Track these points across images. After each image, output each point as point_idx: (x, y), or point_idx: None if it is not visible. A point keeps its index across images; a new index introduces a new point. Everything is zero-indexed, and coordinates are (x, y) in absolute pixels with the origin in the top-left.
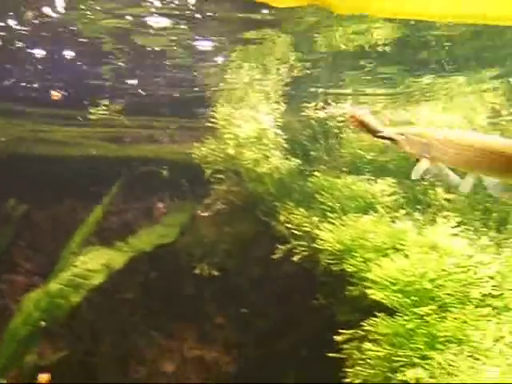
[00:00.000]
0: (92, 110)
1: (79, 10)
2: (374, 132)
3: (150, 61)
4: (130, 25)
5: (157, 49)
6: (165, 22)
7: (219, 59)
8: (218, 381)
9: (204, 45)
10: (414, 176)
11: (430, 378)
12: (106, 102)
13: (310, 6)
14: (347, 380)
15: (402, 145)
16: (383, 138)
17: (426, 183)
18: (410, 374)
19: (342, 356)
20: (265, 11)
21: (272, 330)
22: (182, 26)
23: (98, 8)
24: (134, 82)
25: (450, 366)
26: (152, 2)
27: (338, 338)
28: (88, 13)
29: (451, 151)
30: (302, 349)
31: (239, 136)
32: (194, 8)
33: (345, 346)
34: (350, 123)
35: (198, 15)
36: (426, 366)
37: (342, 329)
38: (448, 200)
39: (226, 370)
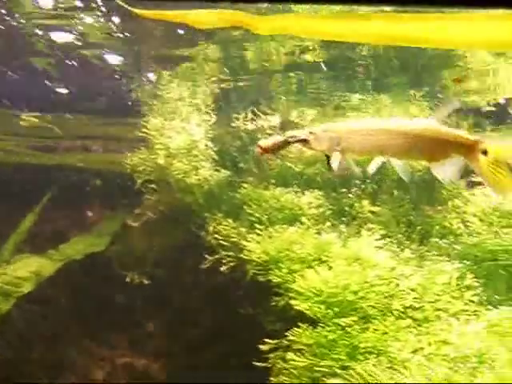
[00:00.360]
0: (24, 118)
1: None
2: (284, 142)
3: (82, 72)
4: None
5: (90, 61)
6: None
7: (151, 74)
8: None
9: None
10: (335, 169)
11: None
12: (38, 112)
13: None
14: None
15: (312, 143)
16: (295, 141)
17: (352, 196)
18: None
19: (267, 365)
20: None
21: (201, 339)
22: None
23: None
24: (66, 91)
25: (370, 376)
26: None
27: (263, 347)
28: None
29: (359, 139)
30: (231, 357)
31: (170, 147)
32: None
33: (270, 356)
34: (261, 155)
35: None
36: (347, 376)
37: (268, 338)
38: (373, 213)
39: (156, 378)
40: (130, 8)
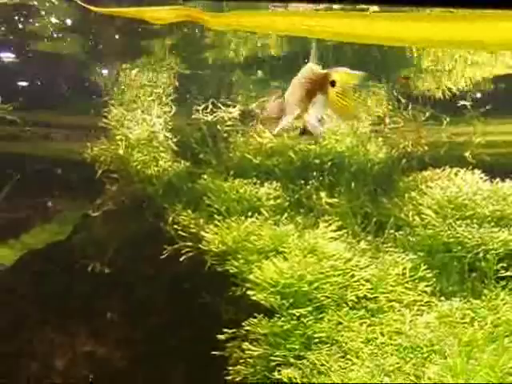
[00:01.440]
0: None
1: None
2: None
3: (44, 63)
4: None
5: (51, 52)
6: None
7: (112, 65)
8: (108, 375)
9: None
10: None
11: (302, 377)
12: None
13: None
14: (229, 378)
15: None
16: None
17: (310, 187)
18: (284, 373)
19: (225, 354)
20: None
21: (161, 328)
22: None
23: None
24: (28, 82)
25: (323, 365)
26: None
27: (221, 336)
28: None
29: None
30: (190, 346)
31: (129, 137)
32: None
33: (228, 345)
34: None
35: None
36: (300, 366)
37: (226, 328)
38: (330, 204)
39: (117, 365)
40: (87, 6)
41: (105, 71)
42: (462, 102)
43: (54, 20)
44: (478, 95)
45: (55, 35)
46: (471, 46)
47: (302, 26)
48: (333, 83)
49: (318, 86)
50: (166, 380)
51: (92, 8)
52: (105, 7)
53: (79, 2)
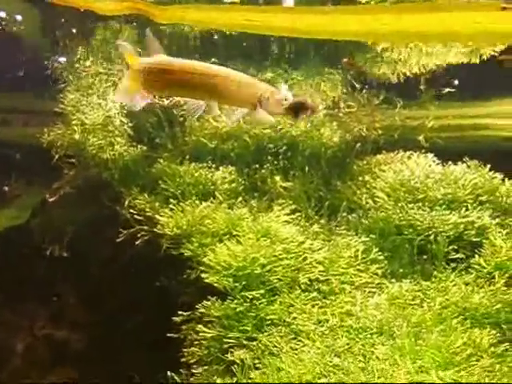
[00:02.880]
0: None
1: None
2: None
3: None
4: None
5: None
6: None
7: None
8: (67, 358)
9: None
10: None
11: (254, 358)
12: None
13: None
14: (184, 359)
15: None
16: None
17: (264, 171)
18: (236, 354)
19: (180, 336)
20: None
21: (119, 310)
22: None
23: None
24: None
25: (275, 346)
26: None
27: (176, 319)
28: None
29: None
30: (147, 328)
31: (85, 122)
32: None
33: (182, 327)
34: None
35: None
36: (253, 347)
37: (181, 310)
38: (284, 188)
39: (75, 348)
40: None
41: (62, 58)
42: (416, 87)
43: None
44: (432, 80)
45: (10, 20)
46: (420, 38)
47: (244, 21)
48: None
49: None
50: (123, 362)
51: None
52: None
53: None
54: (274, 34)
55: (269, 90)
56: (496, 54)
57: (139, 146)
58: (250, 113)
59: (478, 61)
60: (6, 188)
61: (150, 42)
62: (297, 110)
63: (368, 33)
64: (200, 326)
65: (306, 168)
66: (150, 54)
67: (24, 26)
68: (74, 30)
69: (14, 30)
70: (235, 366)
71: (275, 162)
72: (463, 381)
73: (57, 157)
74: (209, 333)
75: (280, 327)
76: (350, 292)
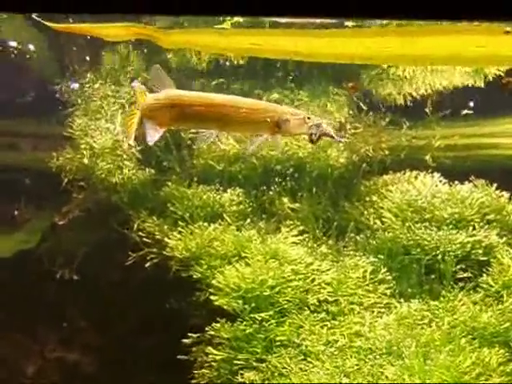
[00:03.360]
0: None
1: None
2: None
3: (9, 73)
4: None
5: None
6: None
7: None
8: (77, 381)
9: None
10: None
11: (263, 380)
12: None
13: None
14: (194, 381)
15: None
16: None
17: (272, 193)
18: (246, 376)
19: (190, 358)
20: None
21: (130, 333)
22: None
23: None
24: None
25: (284, 368)
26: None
27: (186, 341)
28: None
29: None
30: (158, 351)
31: (94, 147)
32: None
33: (193, 349)
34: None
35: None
36: (262, 369)
37: (191, 332)
38: (292, 209)
39: (86, 371)
40: (45, 22)
41: (72, 84)
42: (422, 107)
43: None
44: (438, 100)
45: (20, 46)
46: (414, 61)
47: (249, 45)
48: None
49: None
50: None
51: (50, 25)
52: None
53: (36, 19)
54: (277, 58)
55: (287, 111)
56: (502, 74)
57: (147, 170)
58: (272, 137)
59: (482, 82)
60: (16, 212)
61: (159, 76)
62: (320, 126)
63: (371, 57)
64: (210, 347)
65: (314, 189)
66: (160, 88)
67: (34, 53)
68: (83, 55)
69: (25, 58)
70: None
71: (283, 184)
72: None
73: (66, 181)
74: (218, 355)
75: (289, 348)
76: (358, 312)
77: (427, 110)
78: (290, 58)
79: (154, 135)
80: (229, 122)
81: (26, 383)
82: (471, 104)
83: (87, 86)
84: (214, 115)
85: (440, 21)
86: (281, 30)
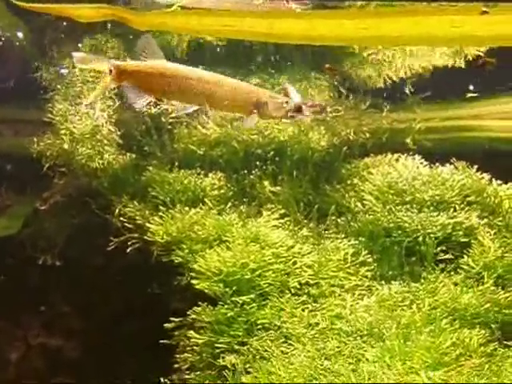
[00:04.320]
0: None
1: None
2: None
3: None
4: None
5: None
6: None
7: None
8: (61, 366)
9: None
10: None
11: (245, 363)
12: None
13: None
14: (176, 365)
15: None
16: None
17: (253, 177)
18: (227, 359)
19: (172, 343)
20: None
21: (112, 318)
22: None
23: None
24: None
25: (266, 351)
26: None
27: (168, 325)
28: None
29: None
30: (140, 335)
31: (74, 132)
32: None
33: (175, 333)
34: None
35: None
36: (244, 352)
37: (173, 317)
38: (273, 193)
39: (70, 356)
40: (17, 3)
41: (49, 66)
42: (403, 90)
43: None
44: (418, 82)
45: None
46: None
47: (222, 26)
48: None
49: None
50: (117, 368)
51: (20, 4)
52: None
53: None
54: (251, 40)
55: (266, 95)
56: (481, 54)
57: (128, 155)
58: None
59: (462, 62)
60: (4, 197)
61: (150, 45)
62: (300, 109)
63: (347, 38)
64: (191, 331)
65: (295, 172)
66: (149, 57)
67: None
68: (63, 41)
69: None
70: (227, 371)
71: (264, 168)
72: (452, 381)
73: (47, 166)
74: (200, 338)
75: (270, 331)
76: (339, 295)
77: (407, 91)
78: (263, 40)
79: (140, 101)
80: (211, 98)
81: (9, 369)
82: (471, 87)
83: (67, 71)
84: (199, 90)
85: (417, 1)
86: (255, 11)
